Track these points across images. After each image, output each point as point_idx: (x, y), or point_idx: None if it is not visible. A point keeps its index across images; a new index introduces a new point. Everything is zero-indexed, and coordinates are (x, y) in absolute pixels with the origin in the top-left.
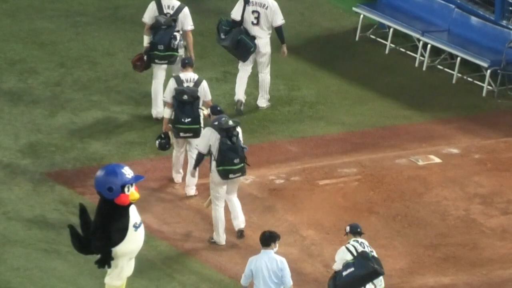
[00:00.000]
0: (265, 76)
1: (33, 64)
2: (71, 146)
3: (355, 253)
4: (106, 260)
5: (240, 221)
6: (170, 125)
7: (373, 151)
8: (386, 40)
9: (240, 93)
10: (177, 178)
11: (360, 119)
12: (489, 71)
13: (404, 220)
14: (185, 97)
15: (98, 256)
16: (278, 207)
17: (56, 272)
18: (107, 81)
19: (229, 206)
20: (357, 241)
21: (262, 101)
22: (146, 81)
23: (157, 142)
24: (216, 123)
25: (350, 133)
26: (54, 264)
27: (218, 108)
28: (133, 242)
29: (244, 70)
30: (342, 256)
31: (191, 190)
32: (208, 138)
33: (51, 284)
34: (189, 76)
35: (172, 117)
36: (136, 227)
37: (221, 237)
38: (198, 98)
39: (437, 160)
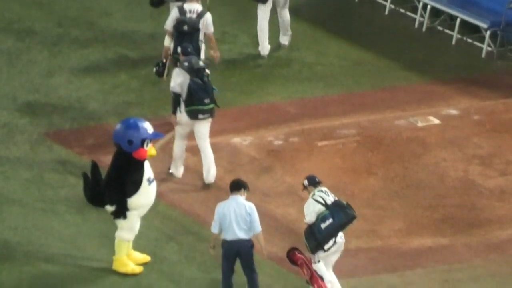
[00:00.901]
0: (285, 14)
1: (30, 24)
2: (69, 106)
3: (326, 203)
4: (121, 211)
5: (210, 175)
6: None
7: (372, 112)
8: (386, 1)
9: (266, 46)
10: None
11: (359, 80)
12: (488, 32)
13: (403, 181)
14: (185, 27)
15: (112, 207)
16: (277, 168)
17: (54, 232)
18: (105, 41)
19: (202, 158)
20: (321, 191)
21: (285, 39)
22: (143, 42)
23: (154, 69)
24: (186, 63)
25: (349, 94)
26: (52, 223)
27: (189, 49)
28: (146, 196)
29: (263, 17)
30: (313, 209)
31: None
32: (181, 78)
33: (49, 243)
34: (193, 7)
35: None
36: (149, 181)
37: (179, 171)
38: (198, 30)
39: (436, 121)
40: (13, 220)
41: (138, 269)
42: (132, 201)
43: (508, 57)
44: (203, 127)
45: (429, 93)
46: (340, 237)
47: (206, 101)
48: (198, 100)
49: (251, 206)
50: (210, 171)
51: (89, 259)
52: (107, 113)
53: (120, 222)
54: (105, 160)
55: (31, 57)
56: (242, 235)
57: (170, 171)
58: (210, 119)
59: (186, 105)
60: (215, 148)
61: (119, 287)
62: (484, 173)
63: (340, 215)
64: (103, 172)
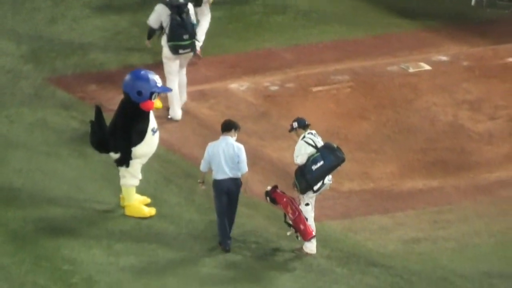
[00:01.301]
0: None
1: None
2: (72, 53)
3: (317, 146)
4: (125, 159)
5: (182, 99)
6: None
7: (365, 58)
8: None
9: None
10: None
11: (352, 27)
12: None
13: (395, 125)
14: None
15: (116, 155)
16: (273, 113)
17: (57, 174)
18: None
19: (180, 84)
20: (311, 133)
21: None
22: None
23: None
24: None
25: (343, 41)
26: (55, 166)
27: None
28: (150, 145)
29: None
30: (305, 151)
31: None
32: (160, 14)
33: (52, 185)
34: None
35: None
36: (153, 131)
37: (176, 113)
38: None
39: (427, 67)
40: (18, 163)
41: (153, 211)
42: (137, 150)
43: (497, 5)
44: (185, 60)
45: (420, 40)
46: (328, 179)
47: (185, 37)
48: (177, 36)
49: (239, 147)
50: (183, 95)
51: (91, 201)
52: (109, 60)
53: (122, 170)
54: (107, 105)
55: (35, 5)
56: (231, 174)
57: (169, 116)
58: (191, 53)
59: (168, 40)
60: (213, 93)
61: (121, 227)
62: (473, 117)
63: (330, 158)
64: (106, 117)
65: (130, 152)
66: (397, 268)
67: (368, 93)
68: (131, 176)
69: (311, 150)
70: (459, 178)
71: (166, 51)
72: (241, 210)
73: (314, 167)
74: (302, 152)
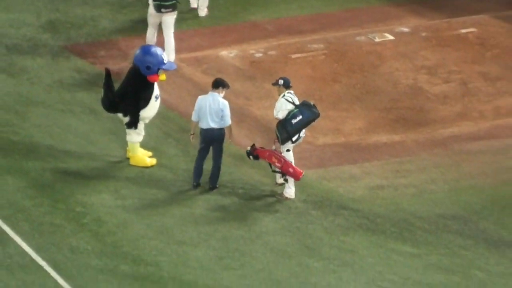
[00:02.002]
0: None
1: None
2: (84, 24)
3: (295, 103)
4: (134, 122)
5: (170, 58)
6: None
7: (337, 30)
8: None
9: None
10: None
11: (327, 2)
12: None
13: (363, 87)
14: None
15: (126, 118)
16: (257, 76)
17: (71, 129)
18: None
19: (164, 44)
20: (290, 93)
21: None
22: None
23: None
24: None
25: (319, 14)
26: (69, 121)
27: None
28: (153, 109)
29: None
30: (285, 107)
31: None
32: None
33: (67, 138)
34: None
35: None
36: (156, 98)
37: None
38: None
39: (390, 37)
40: (37, 119)
41: (154, 161)
42: (142, 113)
43: None
44: (168, 18)
45: (385, 14)
46: (303, 133)
47: None
48: None
49: (224, 103)
50: (170, 56)
51: (100, 152)
52: (116, 30)
53: (130, 131)
54: (114, 69)
55: None
56: (213, 125)
57: None
58: (173, 12)
59: (154, 0)
60: (206, 59)
61: (126, 175)
62: (430, 81)
63: (307, 113)
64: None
65: (138, 116)
66: (364, 211)
67: (339, 59)
68: (136, 134)
69: (291, 106)
70: (418, 133)
71: (150, 9)
72: (229, 160)
73: (293, 121)
74: (283, 108)
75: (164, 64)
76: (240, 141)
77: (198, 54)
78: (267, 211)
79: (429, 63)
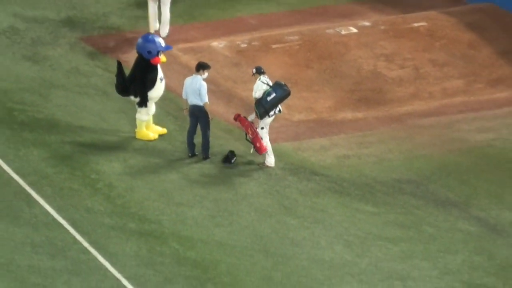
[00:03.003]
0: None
1: None
2: (97, 19)
3: (269, 84)
4: (144, 101)
5: (163, 32)
6: None
7: (310, 24)
8: None
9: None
10: (155, 27)
11: (301, 1)
12: None
13: (332, 72)
14: None
15: (136, 99)
16: (243, 63)
17: (86, 108)
18: None
19: (161, 19)
20: (265, 77)
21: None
22: None
23: None
24: None
25: (294, 11)
26: (85, 102)
27: None
28: (159, 90)
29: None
30: (261, 87)
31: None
32: None
33: (83, 116)
34: None
35: None
36: (161, 79)
37: (152, 26)
38: None
39: (354, 30)
40: (58, 100)
41: (156, 135)
42: (150, 94)
43: None
44: None
45: (350, 10)
46: (279, 109)
47: None
48: None
49: (202, 84)
50: (165, 29)
51: (112, 128)
52: (123, 24)
53: (141, 109)
54: (123, 57)
55: None
56: (196, 101)
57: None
58: None
59: None
60: (199, 49)
61: (133, 147)
62: (388, 67)
63: (280, 91)
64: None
65: (147, 96)
66: (333, 177)
67: (312, 49)
68: (145, 113)
69: (266, 87)
70: (378, 111)
71: None
72: (219, 134)
73: (268, 98)
74: (259, 88)
75: (162, 47)
76: (228, 117)
77: (193, 44)
78: (251, 177)
79: (387, 52)
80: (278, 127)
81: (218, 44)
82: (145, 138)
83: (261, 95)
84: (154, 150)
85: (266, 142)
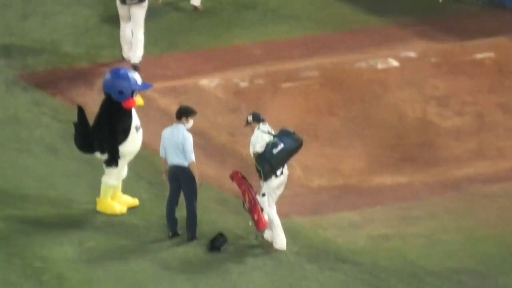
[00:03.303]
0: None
1: None
2: (43, 49)
3: (272, 133)
4: (115, 158)
5: (136, 57)
6: None
7: (333, 54)
8: None
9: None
10: (126, 54)
11: (321, 23)
12: None
13: (363, 121)
14: None
15: (104, 156)
16: (242, 108)
17: (28, 171)
18: None
19: (133, 41)
20: (265, 125)
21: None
22: None
23: None
24: None
25: (312, 37)
26: (26, 162)
27: None
28: (134, 143)
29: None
30: (262, 138)
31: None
32: None
33: (24, 182)
34: None
35: None
36: (137, 129)
37: (126, 54)
38: None
39: (395, 63)
40: None
41: (124, 209)
42: (122, 149)
43: (464, 1)
44: (136, 11)
45: (388, 36)
46: (286, 169)
47: None
48: None
49: (185, 136)
50: (136, 53)
51: (62, 197)
52: (80, 56)
53: (110, 170)
54: (78, 100)
55: (5, 1)
56: (178, 161)
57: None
58: (141, 4)
59: None
60: (183, 89)
61: (93, 223)
62: (441, 113)
63: (288, 140)
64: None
65: (117, 150)
66: (366, 264)
67: (336, 88)
68: (116, 176)
69: (268, 137)
70: (428, 174)
71: (117, 1)
72: (212, 206)
73: (275, 151)
74: (259, 140)
75: (139, 85)
76: (223, 182)
77: (175, 83)
78: (255, 265)
79: (440, 93)
80: (292, 196)
81: (209, 82)
82: (110, 211)
83: (263, 148)
84: (121, 228)
85: (270, 214)
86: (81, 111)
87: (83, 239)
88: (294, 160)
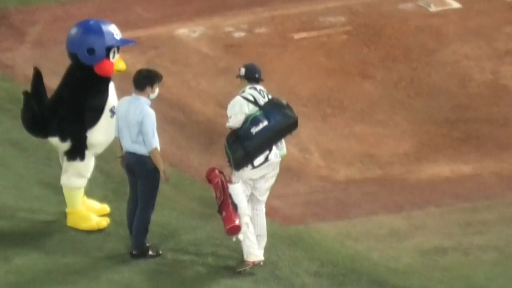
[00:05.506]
0: None
1: None
2: None
3: (258, 102)
4: (79, 149)
5: None
6: None
7: None
8: None
9: None
10: None
11: None
12: None
13: (410, 87)
14: None
15: (64, 144)
16: (237, 69)
17: None
18: None
19: None
20: (255, 89)
21: None
22: None
23: None
24: None
25: None
26: None
27: None
28: (106, 130)
29: None
30: (240, 109)
31: None
32: None
33: None
34: None
35: None
36: (112, 112)
37: None
38: None
39: (455, 4)
40: None
41: (105, 222)
42: (91, 136)
43: None
44: None
45: None
46: (275, 155)
47: None
48: None
49: (145, 113)
50: None
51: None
52: None
53: (73, 165)
54: (2, 59)
55: None
56: (134, 147)
57: None
58: None
59: None
60: (153, 42)
61: (24, 234)
62: None
63: (277, 117)
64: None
65: (84, 137)
66: None
67: (372, 41)
68: (76, 174)
69: (251, 107)
70: (501, 161)
71: None
72: (194, 209)
73: (254, 130)
74: (236, 109)
75: (116, 40)
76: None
77: (141, 33)
78: None
79: None
80: (307, 193)
81: (189, 32)
82: (84, 226)
83: (239, 122)
84: (65, 240)
85: (243, 211)
86: (37, 76)
87: (10, 255)
88: (312, 142)
